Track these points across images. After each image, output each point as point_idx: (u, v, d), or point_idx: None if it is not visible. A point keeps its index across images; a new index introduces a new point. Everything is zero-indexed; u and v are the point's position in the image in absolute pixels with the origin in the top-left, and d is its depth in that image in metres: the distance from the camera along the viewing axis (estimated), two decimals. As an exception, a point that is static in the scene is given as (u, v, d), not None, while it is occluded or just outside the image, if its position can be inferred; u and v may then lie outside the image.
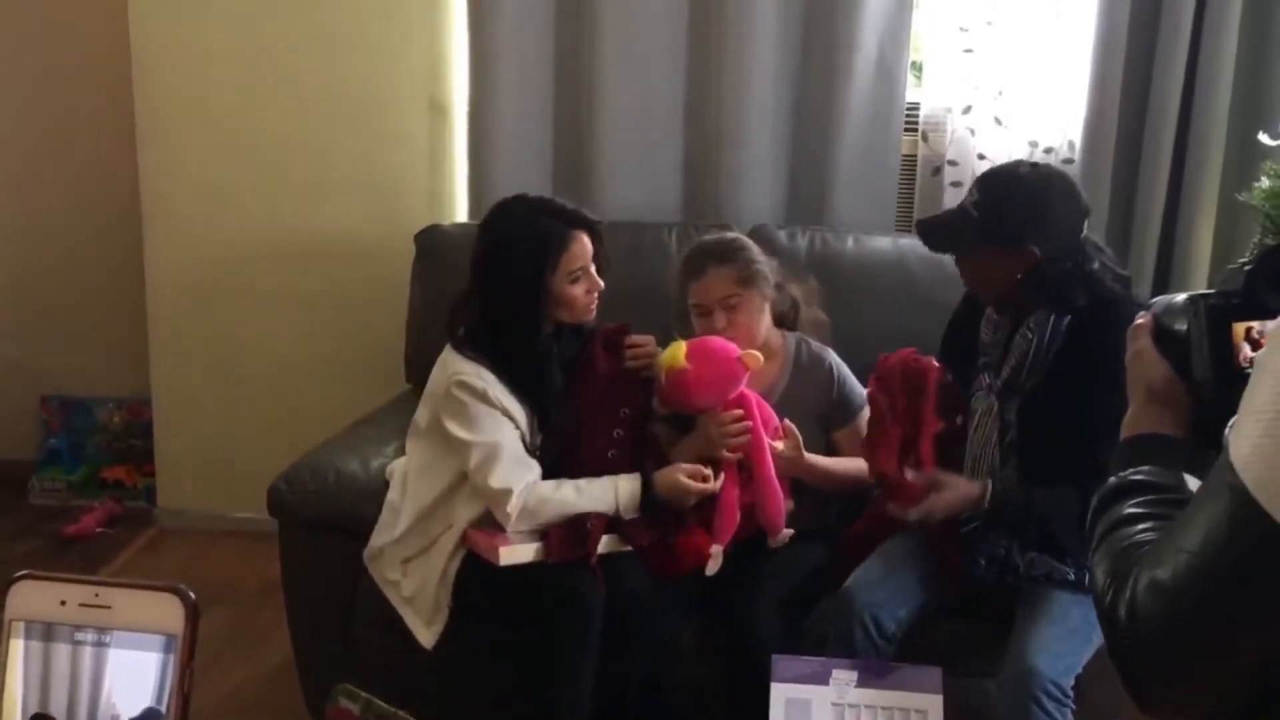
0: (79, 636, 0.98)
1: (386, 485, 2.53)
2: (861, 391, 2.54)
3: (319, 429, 2.86)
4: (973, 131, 3.33)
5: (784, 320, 2.68)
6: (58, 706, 0.98)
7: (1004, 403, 2.26)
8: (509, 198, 2.51)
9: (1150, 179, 3.20)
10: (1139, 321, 1.17)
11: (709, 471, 2.40)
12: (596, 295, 2.46)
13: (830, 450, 2.58)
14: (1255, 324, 1.05)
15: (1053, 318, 2.21)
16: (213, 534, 3.74)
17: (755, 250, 2.60)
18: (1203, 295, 1.09)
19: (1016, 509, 2.21)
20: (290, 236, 3.65)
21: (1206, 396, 1.08)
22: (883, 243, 3.15)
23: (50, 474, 4.11)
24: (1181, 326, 1.11)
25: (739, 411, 2.44)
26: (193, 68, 3.58)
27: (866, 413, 2.47)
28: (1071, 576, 2.21)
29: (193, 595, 0.98)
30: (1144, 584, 0.93)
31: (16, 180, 4.07)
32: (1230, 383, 0.99)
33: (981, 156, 3.32)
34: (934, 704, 2.06)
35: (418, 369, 2.98)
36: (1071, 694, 2.07)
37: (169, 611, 0.97)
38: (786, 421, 2.45)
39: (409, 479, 2.46)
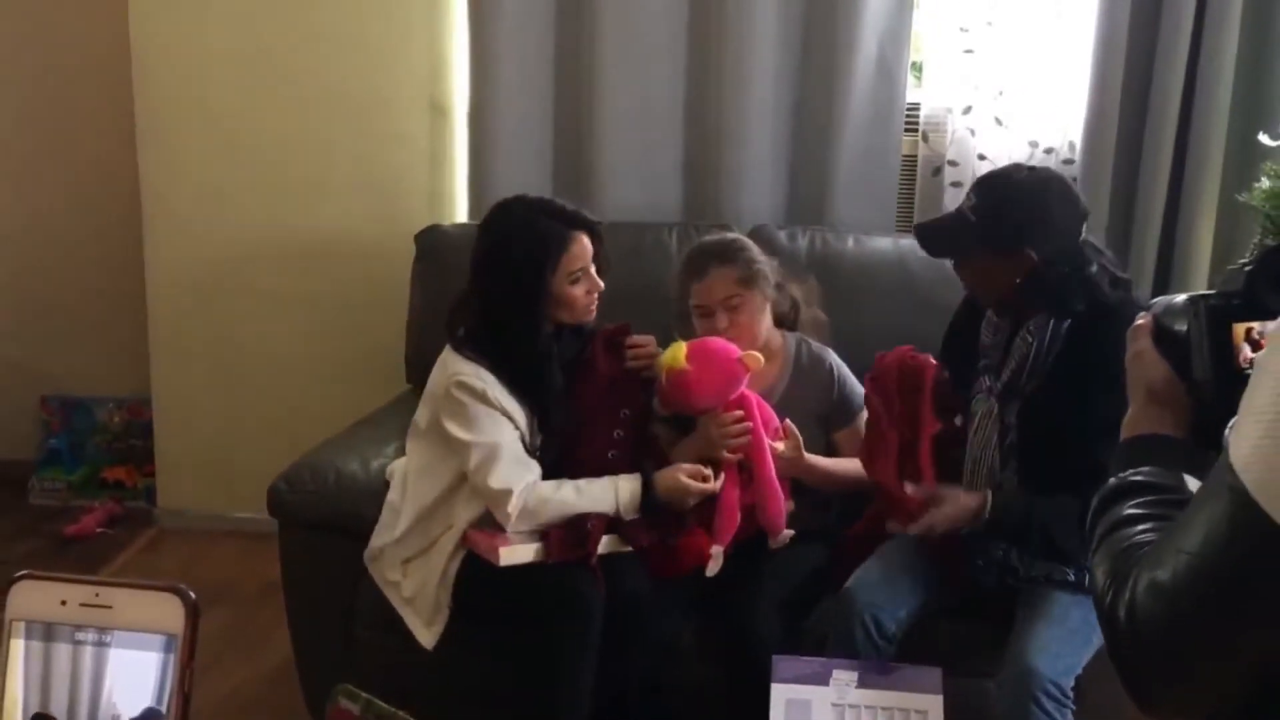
0: (80, 636, 0.98)
1: (386, 486, 2.53)
2: (862, 392, 2.54)
3: (319, 429, 2.86)
4: (973, 132, 3.33)
5: (784, 321, 2.68)
6: (58, 706, 0.98)
7: (1004, 405, 2.26)
8: (509, 198, 2.51)
9: (1150, 179, 3.20)
10: (1139, 322, 1.17)
11: (709, 471, 2.40)
12: (596, 296, 2.46)
13: (830, 451, 2.58)
14: (1255, 325, 1.05)
15: (1052, 321, 2.21)
16: (213, 534, 3.74)
17: (756, 250, 2.60)
18: (1203, 296, 1.09)
19: (1017, 519, 2.20)
20: (290, 237, 3.65)
21: (1206, 397, 1.08)
22: (883, 243, 3.15)
23: (50, 474, 4.11)
24: (1182, 327, 1.11)
25: (739, 412, 2.44)
26: (193, 68, 3.58)
27: (866, 413, 2.47)
28: (1071, 577, 2.21)
29: (193, 595, 0.98)
30: (1144, 585, 0.93)
31: (16, 180, 4.07)
32: (1230, 383, 0.99)
33: (982, 157, 3.32)
34: (934, 704, 2.06)
35: (418, 369, 2.98)
36: (1071, 695, 2.07)
37: (169, 611, 0.97)
38: (787, 422, 2.46)
39: (409, 479, 2.46)
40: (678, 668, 2.42)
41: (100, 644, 0.97)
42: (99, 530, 3.82)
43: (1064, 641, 2.11)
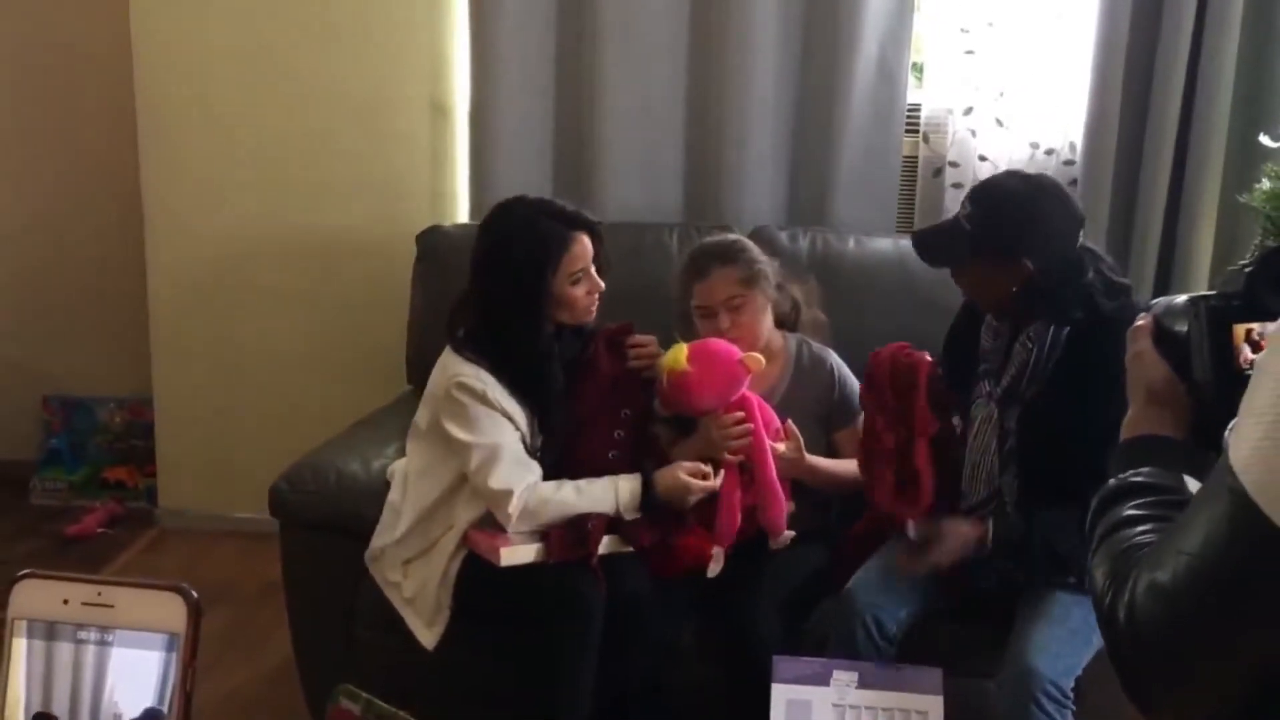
0: (81, 635, 0.98)
1: (387, 486, 2.53)
2: (863, 393, 2.54)
3: (320, 429, 2.86)
4: (974, 133, 3.33)
5: (785, 322, 2.68)
6: (60, 705, 0.98)
7: (1004, 411, 2.25)
8: (509, 199, 2.51)
9: (1151, 180, 3.20)
10: (1139, 323, 1.17)
11: (709, 469, 2.40)
12: (597, 296, 2.46)
13: (831, 451, 2.58)
14: (1255, 326, 1.05)
15: (1051, 328, 2.20)
16: (214, 534, 3.75)
17: (757, 251, 2.60)
18: (1203, 297, 1.09)
19: (1019, 538, 2.20)
20: (291, 236, 3.65)
21: (1206, 398, 1.08)
22: (884, 244, 3.14)
23: (51, 474, 4.11)
24: (1182, 328, 1.11)
25: (740, 414, 2.44)
26: (194, 67, 3.58)
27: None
28: (1072, 578, 2.21)
29: (195, 594, 0.98)
30: (1143, 586, 0.93)
31: (17, 179, 4.08)
32: (1230, 384, 0.99)
33: (983, 158, 3.32)
34: (935, 705, 2.06)
35: (419, 370, 2.98)
36: (1072, 695, 2.07)
37: (171, 610, 0.97)
38: (788, 423, 2.46)
39: (409, 480, 2.46)
40: (678, 668, 2.42)
41: (102, 643, 0.98)
42: (100, 530, 3.83)
43: (1064, 642, 2.11)
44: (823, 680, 2.08)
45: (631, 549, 2.37)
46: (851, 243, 3.13)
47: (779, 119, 3.36)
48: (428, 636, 2.41)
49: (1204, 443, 1.06)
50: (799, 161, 3.40)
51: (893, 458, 2.33)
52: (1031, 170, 3.18)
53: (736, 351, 2.42)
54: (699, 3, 3.33)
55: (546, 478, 2.39)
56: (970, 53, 3.31)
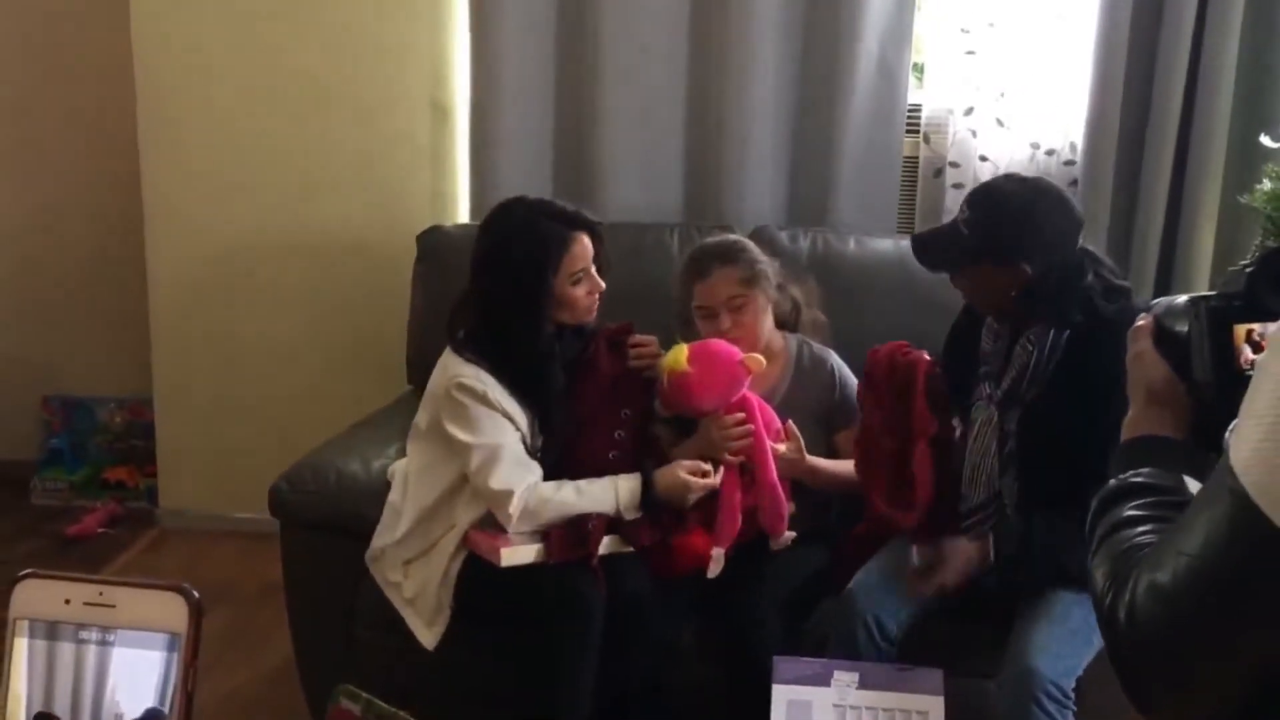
0: (83, 635, 0.98)
1: (387, 486, 2.53)
2: (864, 393, 2.54)
3: (320, 429, 2.86)
4: (974, 133, 3.33)
5: (785, 322, 2.68)
6: (61, 705, 0.98)
7: (1004, 413, 2.25)
8: (509, 199, 2.51)
9: (1152, 181, 3.20)
10: (1140, 323, 1.17)
11: (708, 466, 2.40)
12: (597, 296, 2.46)
13: (831, 452, 2.58)
14: (1256, 326, 1.05)
15: (1051, 331, 2.20)
16: (214, 534, 3.75)
17: (757, 251, 2.60)
18: (1204, 297, 1.09)
19: (1021, 551, 2.21)
20: (292, 236, 3.65)
21: (1207, 398, 1.08)
22: (884, 244, 3.14)
23: (52, 474, 4.11)
24: (1182, 328, 1.11)
25: (741, 414, 2.44)
26: (195, 66, 3.58)
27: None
28: (1072, 579, 2.21)
29: (196, 594, 0.98)
30: (1144, 587, 0.93)
31: (18, 178, 4.08)
32: (1231, 385, 0.99)
33: (983, 158, 3.32)
34: (935, 705, 2.06)
35: (419, 370, 2.98)
36: (1072, 695, 2.07)
37: (173, 610, 0.97)
38: (789, 423, 2.46)
39: (410, 480, 2.46)
40: (678, 668, 2.42)
41: (103, 643, 0.97)
42: (100, 530, 3.83)
43: (1065, 642, 2.11)
44: (823, 681, 2.08)
45: (632, 549, 2.37)
46: (852, 243, 3.13)
47: (779, 119, 3.36)
48: (428, 637, 2.41)
49: (1204, 443, 1.06)
50: (799, 162, 3.40)
51: (889, 459, 2.33)
52: (1032, 171, 3.19)
53: (737, 352, 2.43)
54: (699, 3, 3.33)
55: (547, 478, 2.39)
56: (971, 53, 3.31)
